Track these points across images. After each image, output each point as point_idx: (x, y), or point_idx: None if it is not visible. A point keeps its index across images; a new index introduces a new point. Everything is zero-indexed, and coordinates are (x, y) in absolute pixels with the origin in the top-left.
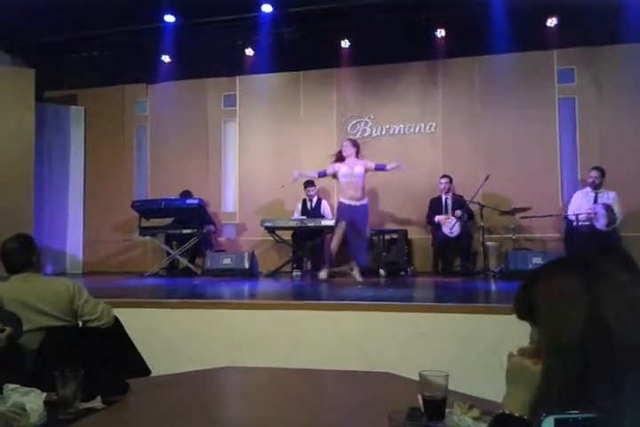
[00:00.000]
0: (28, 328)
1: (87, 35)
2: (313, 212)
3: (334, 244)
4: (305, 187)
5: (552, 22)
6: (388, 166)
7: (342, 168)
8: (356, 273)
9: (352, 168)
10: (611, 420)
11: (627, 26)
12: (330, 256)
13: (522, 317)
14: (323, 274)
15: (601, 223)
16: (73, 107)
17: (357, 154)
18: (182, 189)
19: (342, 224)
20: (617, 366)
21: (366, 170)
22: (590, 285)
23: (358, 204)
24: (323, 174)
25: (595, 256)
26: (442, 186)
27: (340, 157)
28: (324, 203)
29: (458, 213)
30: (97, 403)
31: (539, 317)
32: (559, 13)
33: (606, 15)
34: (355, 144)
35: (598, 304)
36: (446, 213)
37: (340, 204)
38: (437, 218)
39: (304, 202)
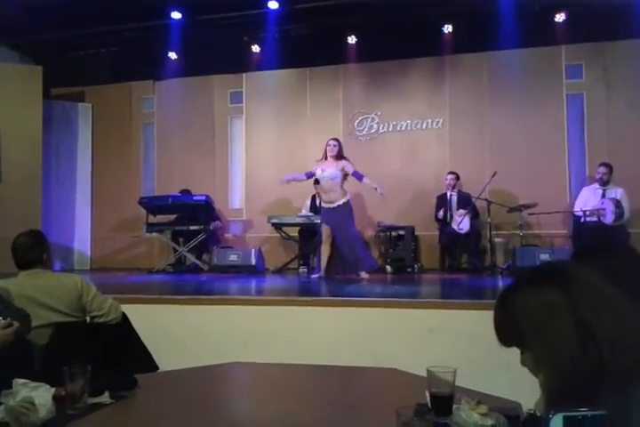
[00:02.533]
0: (37, 324)
1: (94, 32)
2: None
3: (323, 248)
4: (314, 183)
5: (560, 18)
6: (365, 181)
7: (317, 170)
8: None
9: (324, 170)
10: (619, 417)
11: (635, 21)
12: (319, 260)
13: (508, 344)
14: (315, 277)
15: (609, 218)
16: (80, 104)
17: (339, 155)
18: (189, 185)
19: (325, 228)
20: (617, 366)
21: (343, 172)
22: (566, 291)
23: (334, 205)
24: (310, 175)
25: (561, 263)
26: (447, 182)
27: (325, 157)
28: None
29: (461, 211)
30: (105, 398)
31: (527, 339)
32: (567, 9)
33: (614, 11)
34: (339, 144)
35: (579, 309)
36: (450, 209)
37: (322, 207)
38: (440, 214)
39: (313, 198)
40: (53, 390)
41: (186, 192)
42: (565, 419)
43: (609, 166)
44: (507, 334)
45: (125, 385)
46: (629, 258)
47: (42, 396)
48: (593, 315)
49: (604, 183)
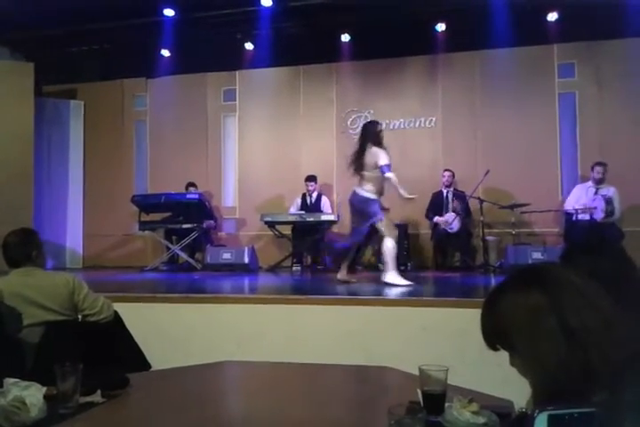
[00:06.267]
0: (29, 323)
1: (86, 29)
2: (312, 207)
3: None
4: (305, 181)
5: (553, 17)
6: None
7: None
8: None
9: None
10: (609, 417)
11: (627, 20)
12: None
13: (496, 348)
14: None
15: (599, 215)
16: (72, 101)
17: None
18: (182, 183)
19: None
20: (604, 367)
21: None
22: (550, 293)
23: None
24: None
25: (545, 264)
26: (444, 179)
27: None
28: (324, 199)
29: (454, 207)
30: (97, 397)
31: (513, 342)
32: (560, 8)
33: (607, 10)
34: None
35: (563, 311)
36: (447, 207)
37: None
38: (436, 219)
39: (303, 197)
40: (45, 389)
41: (192, 185)
42: (550, 417)
43: (605, 165)
44: (494, 337)
45: (117, 384)
46: (618, 257)
47: (33, 395)
48: (577, 316)
49: (600, 182)
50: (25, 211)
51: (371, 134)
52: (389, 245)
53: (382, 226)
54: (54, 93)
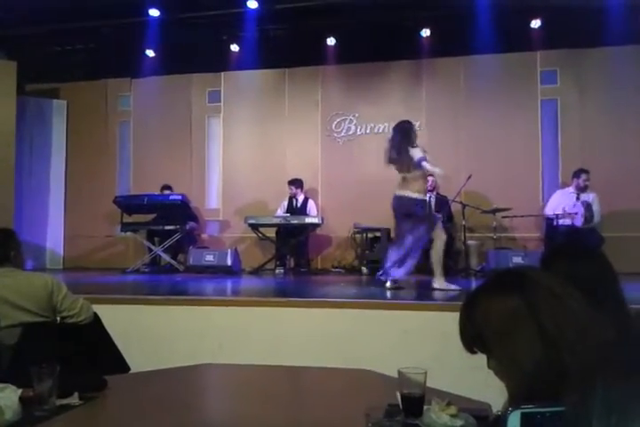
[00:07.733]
0: (6, 324)
1: (71, 28)
2: (298, 211)
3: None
4: (288, 185)
5: (536, 24)
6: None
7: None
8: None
9: None
10: (579, 417)
11: (609, 28)
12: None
13: (473, 351)
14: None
15: (579, 221)
16: (55, 100)
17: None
18: (165, 184)
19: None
20: (577, 368)
21: None
22: (526, 297)
23: None
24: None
25: (521, 268)
26: (428, 184)
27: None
28: (311, 203)
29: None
30: (74, 399)
31: (490, 345)
32: (543, 15)
33: (589, 18)
34: None
35: (539, 315)
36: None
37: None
38: None
39: (290, 200)
40: (20, 391)
41: (167, 188)
42: (523, 415)
43: (589, 173)
44: (471, 340)
45: (95, 386)
46: (597, 262)
47: (8, 397)
48: (553, 320)
49: (584, 189)
50: (5, 211)
51: (412, 134)
52: (439, 249)
53: (437, 228)
54: (37, 92)
